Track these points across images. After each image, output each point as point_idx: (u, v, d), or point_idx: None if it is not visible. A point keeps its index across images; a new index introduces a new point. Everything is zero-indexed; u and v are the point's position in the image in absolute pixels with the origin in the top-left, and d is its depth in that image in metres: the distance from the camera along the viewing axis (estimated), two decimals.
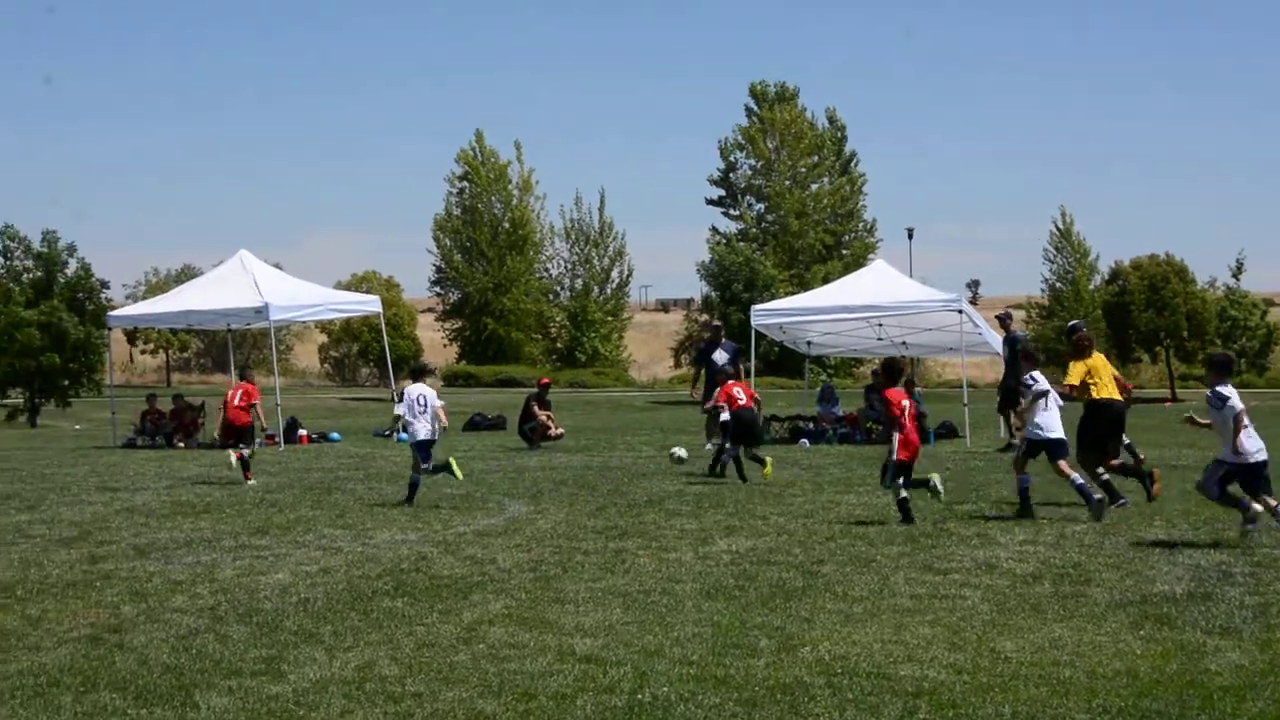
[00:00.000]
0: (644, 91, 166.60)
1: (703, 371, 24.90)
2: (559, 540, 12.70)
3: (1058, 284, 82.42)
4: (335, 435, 30.63)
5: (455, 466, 16.50)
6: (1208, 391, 12.55)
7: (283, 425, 28.82)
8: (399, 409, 16.89)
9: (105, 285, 51.22)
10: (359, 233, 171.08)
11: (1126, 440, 16.05)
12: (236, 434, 19.93)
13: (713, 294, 69.34)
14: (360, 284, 70.80)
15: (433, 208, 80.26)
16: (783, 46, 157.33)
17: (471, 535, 13.16)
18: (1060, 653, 7.97)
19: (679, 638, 8.46)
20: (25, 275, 47.99)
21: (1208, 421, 12.52)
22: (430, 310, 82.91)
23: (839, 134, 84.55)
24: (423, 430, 16.42)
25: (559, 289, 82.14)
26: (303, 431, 29.63)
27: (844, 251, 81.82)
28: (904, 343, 30.47)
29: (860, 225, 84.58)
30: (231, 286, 29.91)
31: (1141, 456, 16.68)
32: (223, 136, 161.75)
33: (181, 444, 28.20)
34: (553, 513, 14.82)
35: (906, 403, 14.00)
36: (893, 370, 14.93)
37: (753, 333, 28.49)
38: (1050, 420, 14.29)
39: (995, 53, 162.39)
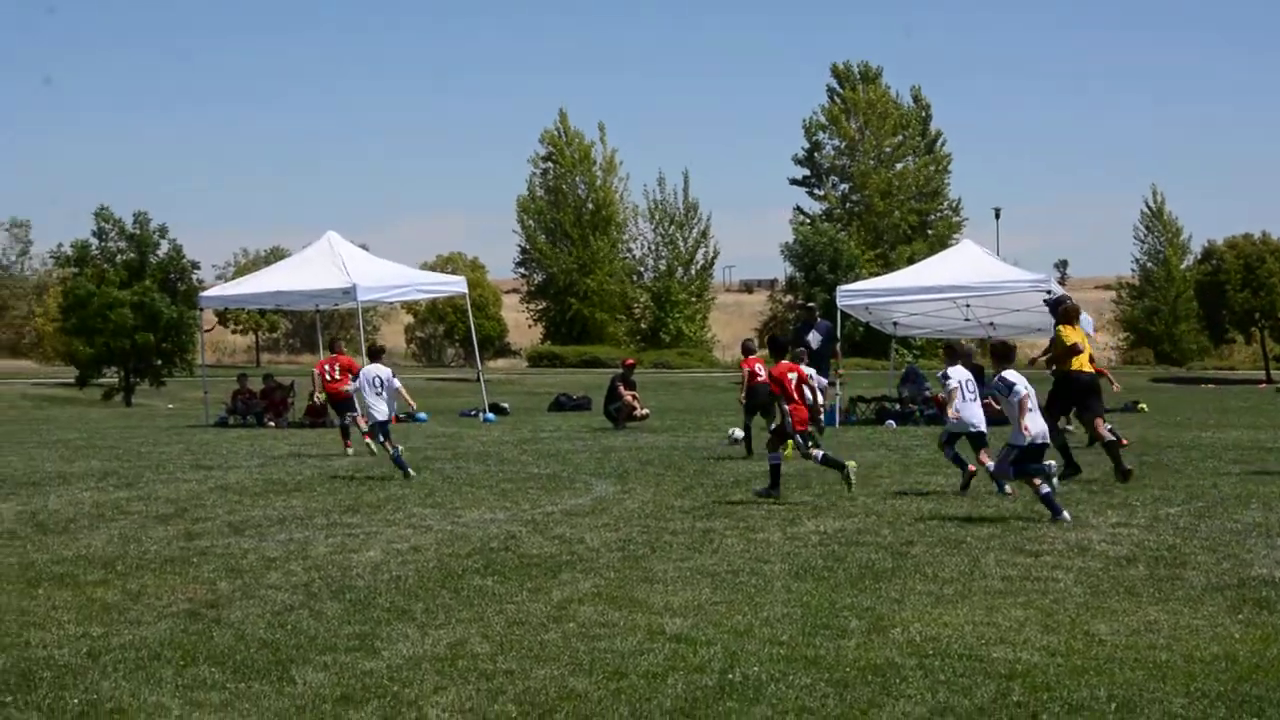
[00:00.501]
0: (728, 72, 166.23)
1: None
2: (646, 520, 12.73)
3: (1148, 264, 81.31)
4: (422, 415, 30.85)
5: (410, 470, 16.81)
6: (995, 378, 12.94)
7: None
8: (351, 386, 17.51)
9: (196, 266, 51.90)
10: (445, 214, 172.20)
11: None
12: (340, 406, 20.79)
13: (797, 275, 69.09)
14: (446, 265, 71.24)
15: (517, 189, 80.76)
16: (867, 25, 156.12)
17: (559, 515, 13.23)
18: (1156, 636, 7.87)
19: (768, 618, 8.45)
20: (119, 256, 48.69)
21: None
22: (515, 291, 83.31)
23: (924, 113, 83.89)
24: (380, 410, 17.26)
25: (643, 270, 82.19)
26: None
27: (929, 232, 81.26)
28: (991, 323, 30.22)
29: (945, 205, 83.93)
30: (320, 267, 30.24)
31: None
32: (310, 119, 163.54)
33: (272, 423, 28.57)
34: (639, 493, 14.86)
35: (793, 374, 14.36)
36: (777, 345, 15.38)
37: (838, 313, 28.37)
38: (971, 412, 14.71)
39: (1084, 28, 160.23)
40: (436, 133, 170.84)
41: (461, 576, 9.93)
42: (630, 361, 29.67)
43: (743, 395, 19.42)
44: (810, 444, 14.38)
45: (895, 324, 31.36)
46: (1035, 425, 12.44)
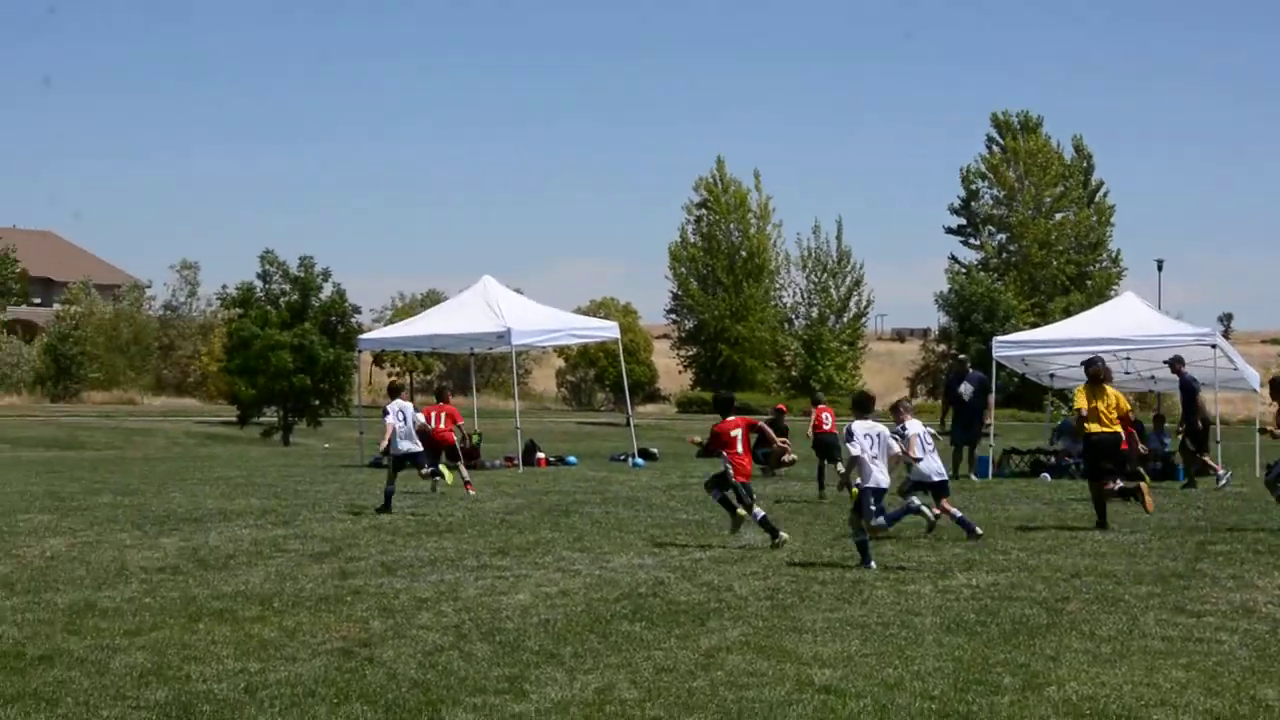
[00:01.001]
0: (882, 120, 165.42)
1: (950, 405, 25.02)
2: (795, 569, 12.64)
3: None
4: (572, 459, 31.04)
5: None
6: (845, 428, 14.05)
7: (521, 448, 29.38)
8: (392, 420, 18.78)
9: (357, 310, 52.93)
10: (598, 259, 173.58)
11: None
12: (444, 451, 21.89)
13: (951, 324, 68.31)
14: (598, 310, 71.72)
15: (670, 235, 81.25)
16: (1027, 74, 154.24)
17: (708, 561, 13.19)
18: None
19: (919, 671, 8.33)
20: (283, 299, 49.87)
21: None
22: (665, 336, 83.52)
23: (1085, 163, 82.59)
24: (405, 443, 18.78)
25: (794, 317, 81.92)
26: (541, 454, 30.11)
27: (1088, 283, 79.78)
28: (1153, 377, 29.54)
29: (1105, 256, 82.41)
30: (475, 311, 30.60)
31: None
32: (466, 163, 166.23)
33: (427, 465, 28.89)
34: (789, 541, 14.75)
35: (737, 432, 14.82)
36: (721, 403, 15.88)
37: (993, 364, 27.97)
38: (930, 464, 15.52)
39: (1249, 76, 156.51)
40: (591, 178, 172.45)
41: (610, 622, 9.95)
42: (782, 407, 29.58)
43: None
44: (750, 499, 14.56)
45: (1052, 376, 30.77)
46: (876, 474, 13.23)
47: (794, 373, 79.10)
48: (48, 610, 10.42)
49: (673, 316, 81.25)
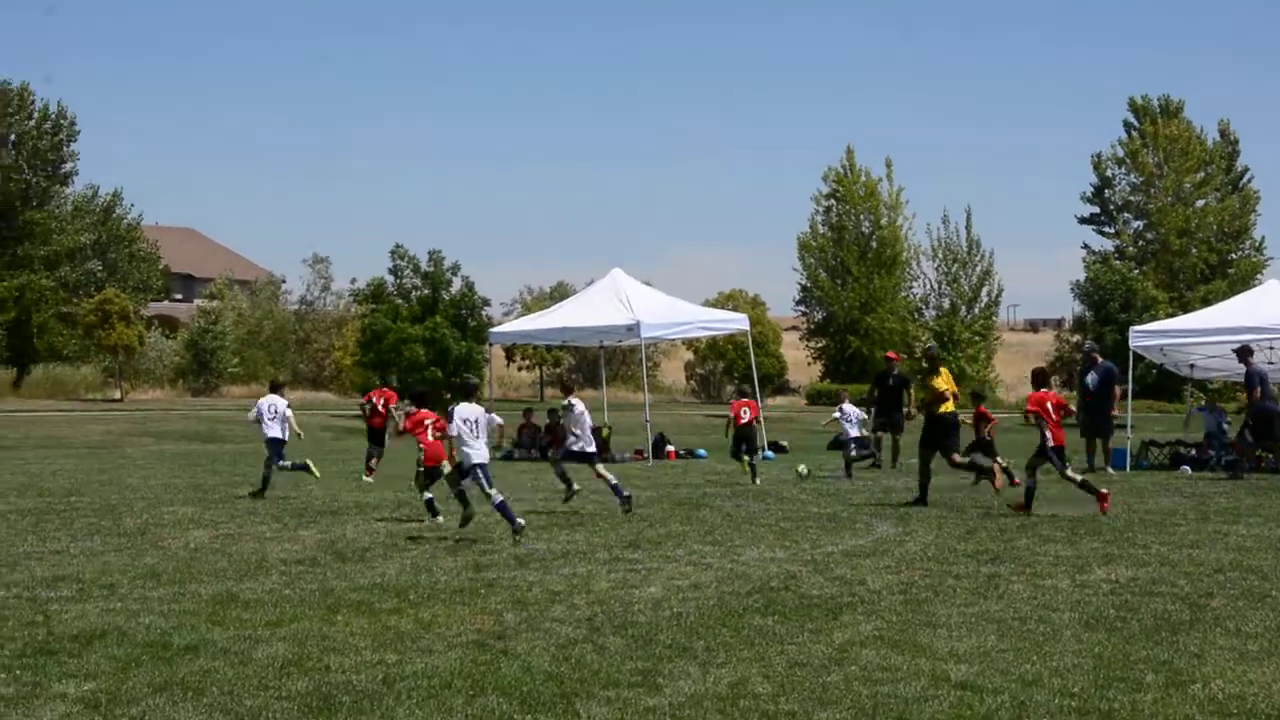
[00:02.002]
0: (1012, 108, 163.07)
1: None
2: (929, 563, 12.51)
3: None
4: (701, 452, 31.04)
5: (313, 466, 20.42)
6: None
7: (651, 440, 29.46)
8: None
9: (487, 303, 53.38)
10: (726, 251, 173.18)
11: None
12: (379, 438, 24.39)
13: (1086, 314, 67.09)
14: (727, 302, 71.55)
15: (797, 226, 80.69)
16: (1166, 59, 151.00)
17: (840, 555, 13.11)
18: None
19: (1058, 668, 8.20)
20: (414, 293, 50.47)
21: None
22: (794, 328, 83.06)
23: (1230, 148, 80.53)
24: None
25: (924, 308, 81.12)
26: (670, 447, 30.19)
27: (1229, 271, 77.87)
28: None
29: (1248, 243, 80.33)
30: (605, 304, 30.74)
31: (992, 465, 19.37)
32: (593, 155, 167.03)
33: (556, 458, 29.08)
34: (921, 535, 14.62)
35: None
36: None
37: (1130, 354, 27.42)
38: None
39: None
40: (719, 168, 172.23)
41: (742, 615, 9.93)
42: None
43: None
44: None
45: (1192, 366, 30.08)
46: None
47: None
48: (192, 601, 10.67)
49: (801, 308, 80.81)
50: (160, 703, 7.52)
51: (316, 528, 15.59)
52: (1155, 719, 7.06)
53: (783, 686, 7.79)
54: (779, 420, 53.44)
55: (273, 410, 20.42)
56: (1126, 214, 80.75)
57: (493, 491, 14.80)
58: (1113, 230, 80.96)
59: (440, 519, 15.90)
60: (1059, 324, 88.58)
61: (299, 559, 12.99)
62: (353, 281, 53.31)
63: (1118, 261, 75.08)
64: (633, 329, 29.32)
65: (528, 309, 74.32)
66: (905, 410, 26.02)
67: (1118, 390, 25.11)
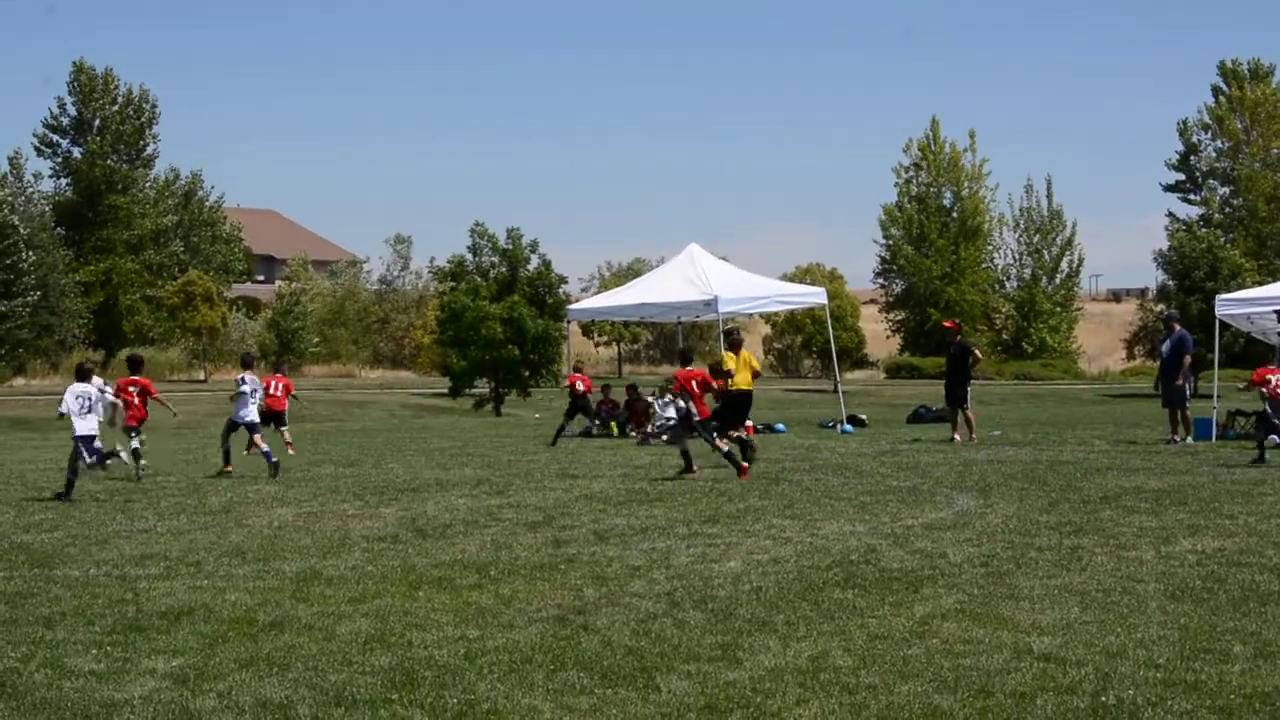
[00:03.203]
0: (1096, 77, 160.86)
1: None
2: (1010, 535, 12.41)
3: None
4: (780, 426, 30.97)
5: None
6: None
7: None
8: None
9: (564, 280, 53.45)
10: (803, 225, 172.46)
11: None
12: (274, 418, 24.62)
13: (1169, 283, 66.12)
14: (804, 276, 71.28)
15: (874, 200, 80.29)
16: (1253, 24, 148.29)
17: (920, 528, 13.04)
18: None
19: (1143, 639, 8.11)
20: (492, 271, 50.63)
21: None
22: (873, 302, 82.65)
23: None
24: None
25: (1006, 279, 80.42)
26: (749, 422, 30.06)
27: None
28: None
29: None
30: (682, 279, 30.72)
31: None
32: (669, 130, 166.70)
33: (634, 433, 29.16)
34: (1002, 507, 14.50)
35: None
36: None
37: (1216, 323, 27.02)
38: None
39: None
40: (795, 143, 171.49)
41: (822, 589, 9.91)
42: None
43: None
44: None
45: None
46: None
47: (1005, 336, 77.66)
48: (276, 578, 10.80)
49: (880, 281, 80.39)
50: (246, 678, 7.63)
51: (398, 505, 15.73)
52: (1243, 690, 6.97)
53: (863, 660, 7.77)
54: (857, 394, 53.19)
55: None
56: (1213, 180, 79.47)
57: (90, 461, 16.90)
58: (1199, 197, 79.76)
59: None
60: (1142, 293, 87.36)
61: (381, 536, 13.12)
62: (432, 260, 53.69)
63: (1203, 229, 73.89)
64: (710, 304, 29.26)
65: (605, 286, 74.52)
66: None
67: (1187, 360, 24.74)
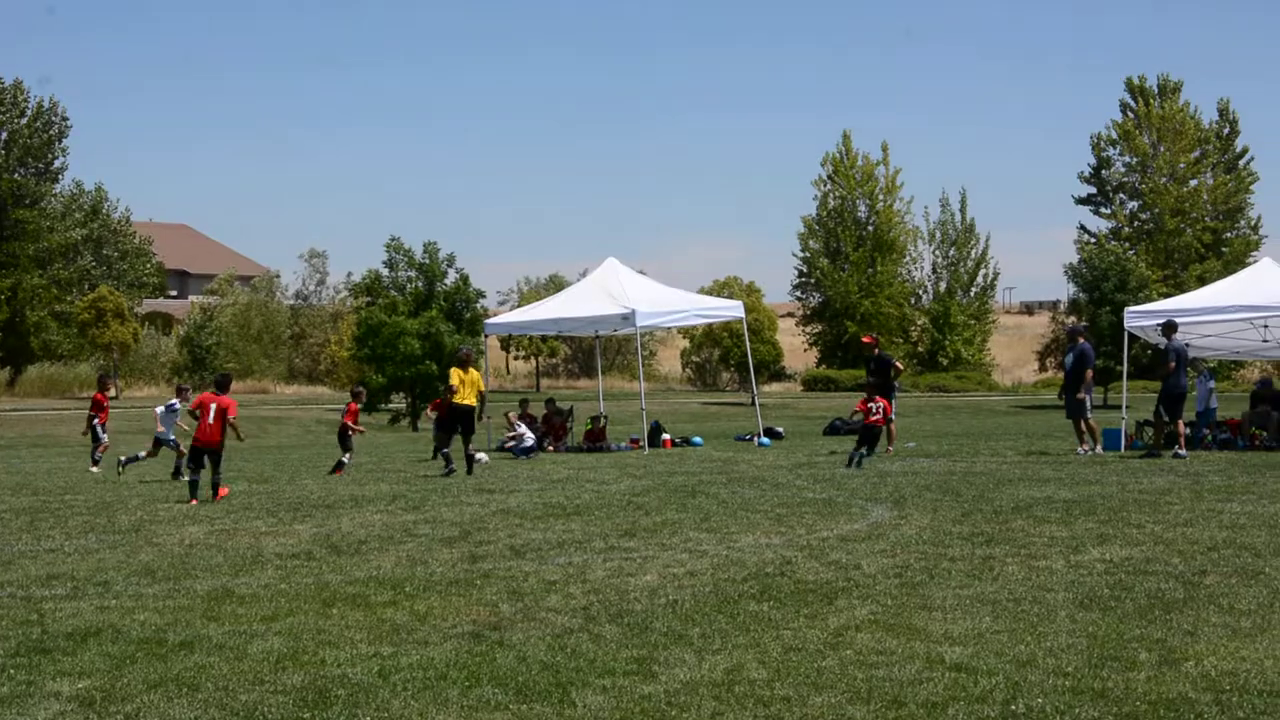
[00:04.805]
0: (1010, 90, 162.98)
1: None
2: (924, 546, 12.51)
3: None
4: (698, 439, 31.08)
5: None
6: None
7: (647, 429, 29.49)
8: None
9: (482, 295, 53.36)
10: (721, 240, 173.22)
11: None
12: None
13: (1080, 296, 67.12)
14: (722, 289, 71.62)
15: (792, 214, 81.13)
16: (1170, 38, 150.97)
17: (835, 540, 13.11)
18: None
19: (1052, 648, 8.21)
20: (408, 286, 50.42)
21: None
22: (790, 315, 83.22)
23: (1229, 128, 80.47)
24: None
25: (921, 292, 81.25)
26: (666, 435, 30.19)
27: (1223, 250, 77.97)
28: None
29: (1244, 222, 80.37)
30: (600, 293, 30.71)
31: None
32: (587, 147, 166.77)
33: (551, 447, 29.12)
34: (916, 518, 14.63)
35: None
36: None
37: (1125, 335, 27.45)
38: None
39: None
40: (712, 160, 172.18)
41: (737, 602, 9.94)
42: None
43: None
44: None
45: (1187, 345, 30.13)
46: None
47: (920, 348, 78.46)
48: (187, 597, 10.67)
49: (798, 294, 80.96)
50: (155, 699, 7.52)
51: (312, 522, 15.59)
52: (1149, 697, 7.07)
53: (778, 672, 7.80)
54: (774, 407, 53.49)
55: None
56: (1122, 194, 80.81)
57: None
58: (1109, 211, 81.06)
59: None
60: (1054, 306, 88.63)
61: (294, 553, 12.99)
62: (348, 275, 53.47)
63: (1111, 242, 75.10)
64: (628, 318, 29.30)
65: (524, 300, 74.46)
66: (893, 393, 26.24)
67: (1089, 373, 25.14)
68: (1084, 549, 12.09)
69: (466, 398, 22.44)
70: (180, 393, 23.84)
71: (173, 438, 23.23)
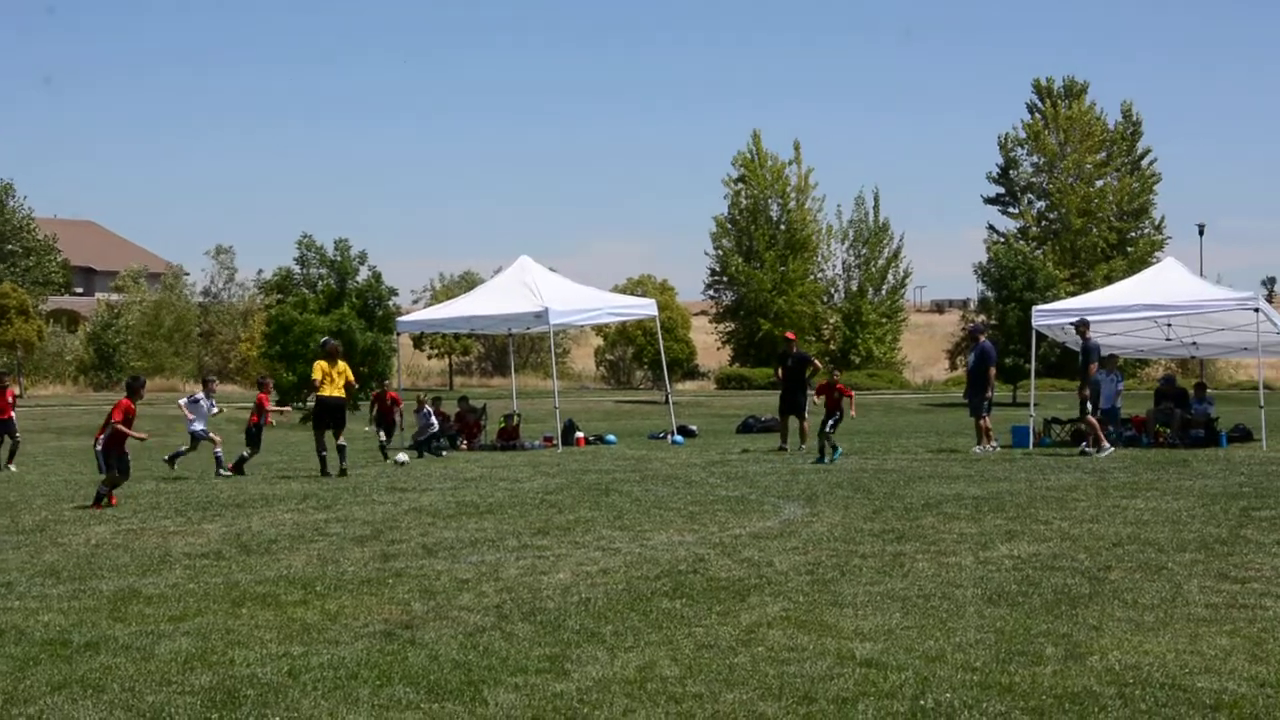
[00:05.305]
0: (923, 91, 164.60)
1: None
2: (836, 543, 12.61)
3: None
4: (611, 437, 31.09)
5: None
6: None
7: (560, 428, 29.46)
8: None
9: (394, 293, 53.03)
10: (635, 238, 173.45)
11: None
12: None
13: (989, 294, 67.93)
14: (636, 288, 71.71)
15: (706, 212, 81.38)
16: (1076, 40, 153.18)
17: (747, 537, 13.18)
18: None
19: (961, 643, 8.30)
20: (320, 283, 50.01)
21: None
22: (704, 313, 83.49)
23: (1132, 129, 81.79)
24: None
25: (834, 291, 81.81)
26: (580, 434, 30.18)
27: (1129, 250, 79.26)
28: (1194, 343, 29.37)
29: (1148, 223, 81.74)
30: (513, 291, 30.62)
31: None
32: (501, 144, 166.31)
33: (464, 446, 29.02)
34: (828, 515, 14.74)
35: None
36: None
37: (1033, 334, 27.84)
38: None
39: None
40: (626, 158, 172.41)
41: (650, 599, 9.96)
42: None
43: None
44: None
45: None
46: None
47: (833, 347, 79.02)
48: (93, 598, 10.51)
49: (711, 293, 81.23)
50: (59, 701, 7.41)
51: (222, 521, 15.42)
52: (1054, 691, 7.17)
53: (690, 669, 7.83)
54: (688, 405, 53.65)
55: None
56: (1030, 195, 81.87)
57: None
58: (1016, 210, 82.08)
59: None
60: (964, 304, 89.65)
61: (203, 553, 12.84)
62: (259, 273, 52.98)
63: (1019, 242, 76.10)
64: (541, 316, 29.22)
65: (436, 298, 74.08)
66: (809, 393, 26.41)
67: (991, 371, 25.49)
68: (992, 545, 12.24)
69: (335, 390, 22.05)
70: (206, 385, 23.99)
71: (203, 428, 23.15)
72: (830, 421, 22.74)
